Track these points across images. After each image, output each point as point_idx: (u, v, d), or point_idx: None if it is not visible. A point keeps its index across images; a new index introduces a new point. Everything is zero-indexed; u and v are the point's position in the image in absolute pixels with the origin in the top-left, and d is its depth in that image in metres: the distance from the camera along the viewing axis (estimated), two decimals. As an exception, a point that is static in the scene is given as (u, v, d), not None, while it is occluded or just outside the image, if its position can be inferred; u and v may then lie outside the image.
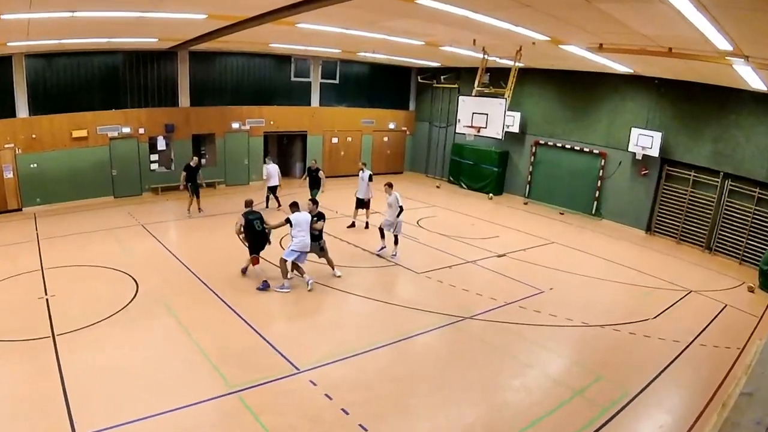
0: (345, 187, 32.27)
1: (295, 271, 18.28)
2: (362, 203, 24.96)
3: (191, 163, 25.76)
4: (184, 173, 25.68)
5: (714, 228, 25.18)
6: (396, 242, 21.45)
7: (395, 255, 21.30)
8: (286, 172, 33.95)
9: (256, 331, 14.68)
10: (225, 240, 22.24)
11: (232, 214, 25.21)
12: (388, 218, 21.16)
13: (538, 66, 30.33)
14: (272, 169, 28.01)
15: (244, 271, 18.81)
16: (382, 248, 21.65)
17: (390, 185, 21.50)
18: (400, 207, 20.79)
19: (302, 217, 17.53)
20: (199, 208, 26.48)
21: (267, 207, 28.00)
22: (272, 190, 28.20)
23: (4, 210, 26.12)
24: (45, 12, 15.63)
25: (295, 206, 17.94)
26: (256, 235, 17.71)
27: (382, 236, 21.70)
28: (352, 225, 25.09)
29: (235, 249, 20.79)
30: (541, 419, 11.36)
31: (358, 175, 25.17)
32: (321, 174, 27.06)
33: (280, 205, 27.74)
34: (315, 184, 26.92)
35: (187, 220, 25.74)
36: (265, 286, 17.44)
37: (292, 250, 17.45)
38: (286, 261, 17.44)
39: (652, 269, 22.06)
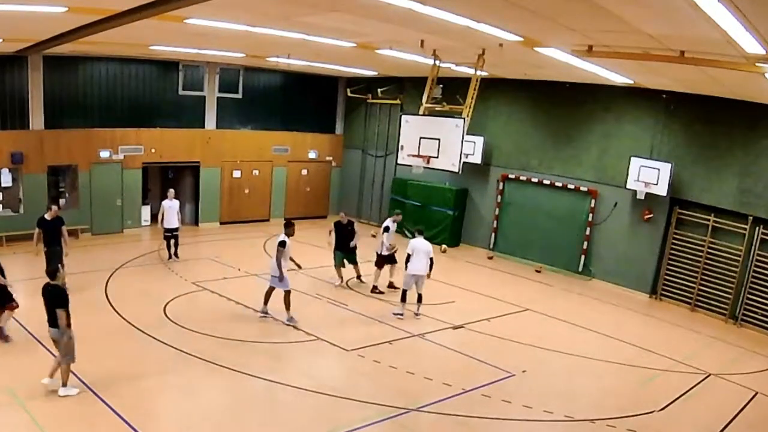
0: (250, 237, 34.28)
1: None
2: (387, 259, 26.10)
3: (46, 215, 23.13)
4: (38, 230, 23.29)
5: (741, 290, 24.97)
6: (420, 299, 22.83)
7: (401, 314, 22.76)
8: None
9: (134, 429, 14.00)
10: (92, 309, 21.74)
11: (101, 272, 26.53)
12: (414, 271, 22.43)
13: (508, 76, 30.80)
14: (172, 206, 28.30)
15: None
16: (410, 311, 22.82)
17: (421, 231, 23.28)
18: (431, 260, 22.49)
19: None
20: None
21: (170, 257, 28.73)
22: (172, 233, 28.50)
23: None
24: None
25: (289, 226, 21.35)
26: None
27: (403, 298, 22.90)
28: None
29: (104, 321, 20.77)
30: None
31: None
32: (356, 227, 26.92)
33: (176, 256, 28.74)
34: (344, 245, 26.76)
35: (40, 279, 24.54)
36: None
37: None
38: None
39: (658, 346, 21.97)
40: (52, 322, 14.89)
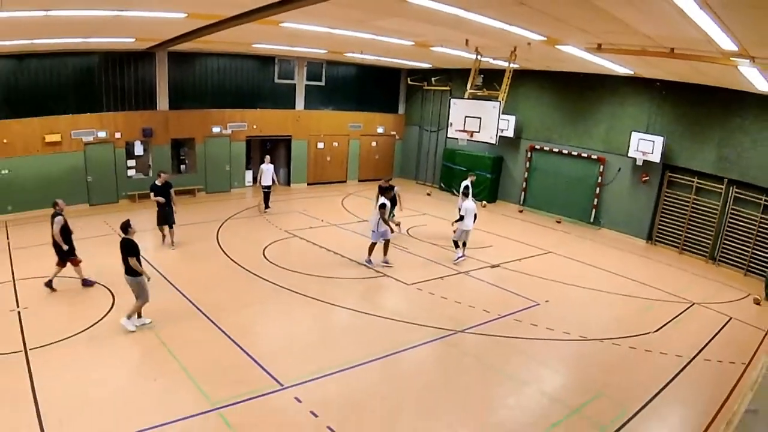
0: (332, 195, 34.50)
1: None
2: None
3: (157, 182, 23.04)
4: (152, 193, 23.02)
5: (718, 237, 25.18)
6: (465, 245, 22.64)
7: (462, 257, 22.46)
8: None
9: (239, 346, 14.57)
10: (207, 252, 22.54)
11: (213, 222, 26.97)
12: (465, 227, 22.15)
13: (534, 67, 30.41)
14: (268, 169, 28.83)
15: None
16: (460, 257, 22.43)
17: (465, 193, 23.00)
18: (475, 215, 22.22)
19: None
20: (173, 242, 23.27)
21: (267, 208, 29.18)
22: (267, 189, 29.06)
23: None
24: (17, 11, 15.43)
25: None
26: None
27: (457, 245, 22.59)
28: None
29: (215, 262, 21.27)
30: None
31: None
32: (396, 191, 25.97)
33: (269, 207, 29.15)
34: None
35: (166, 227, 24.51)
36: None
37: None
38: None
39: (653, 281, 22.05)
40: (127, 269, 14.80)
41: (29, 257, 20.85)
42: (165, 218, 22.85)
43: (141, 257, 14.76)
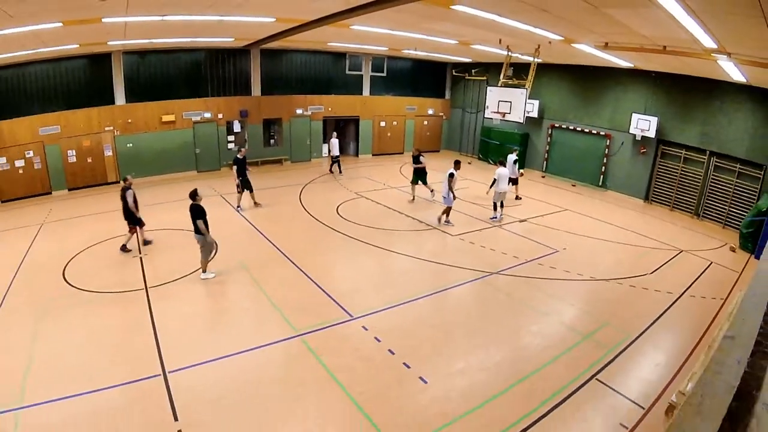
0: (392, 164, 34.10)
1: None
2: (512, 181, 25.07)
3: (238, 155, 22.76)
4: (234, 167, 22.73)
5: (701, 197, 25.13)
6: (502, 206, 22.44)
7: (499, 217, 22.28)
8: (342, 149, 34.09)
9: (318, 285, 14.87)
10: (291, 210, 22.79)
11: (296, 186, 27.19)
12: (501, 189, 22.04)
13: (554, 62, 29.99)
14: (335, 142, 29.55)
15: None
16: (494, 218, 22.40)
17: (503, 162, 22.58)
18: (511, 178, 21.84)
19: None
20: (255, 202, 23.39)
21: (340, 172, 29.60)
22: (335, 158, 29.64)
23: (104, 182, 27.05)
24: (139, 16, 15.88)
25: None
26: None
27: (495, 207, 22.43)
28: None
29: (298, 217, 21.57)
30: (556, 358, 11.49)
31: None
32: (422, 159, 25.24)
33: (340, 173, 29.47)
34: (416, 170, 25.26)
35: (259, 191, 24.56)
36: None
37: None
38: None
39: (649, 232, 22.07)
40: (195, 229, 14.58)
41: (146, 214, 20.05)
42: (247, 184, 22.70)
43: (206, 220, 14.58)
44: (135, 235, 17.76)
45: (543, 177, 33.50)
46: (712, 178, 24.72)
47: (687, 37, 13.43)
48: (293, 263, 16.57)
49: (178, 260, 16.60)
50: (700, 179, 25.25)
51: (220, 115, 30.71)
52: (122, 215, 17.59)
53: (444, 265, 16.88)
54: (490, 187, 22.56)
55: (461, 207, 24.10)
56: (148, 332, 12.05)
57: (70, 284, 14.76)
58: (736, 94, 23.14)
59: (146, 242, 18.06)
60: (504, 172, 21.89)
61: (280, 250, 17.69)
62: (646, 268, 17.70)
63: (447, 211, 21.29)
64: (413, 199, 25.25)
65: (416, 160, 25.07)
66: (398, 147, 39.46)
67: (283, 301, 13.81)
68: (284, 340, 11.89)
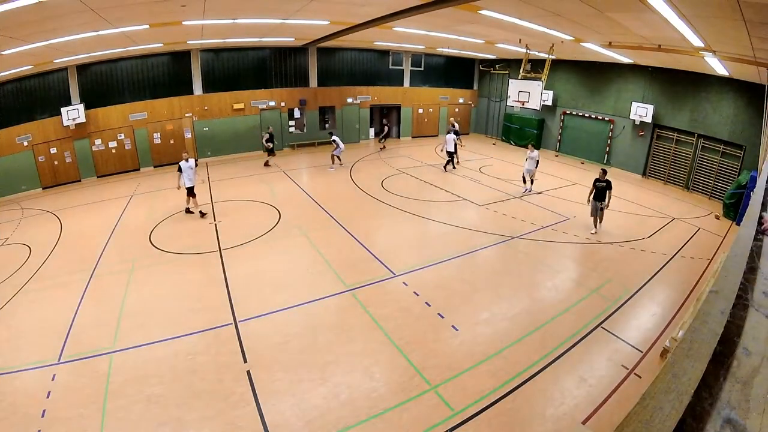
0: (428, 145, 33.64)
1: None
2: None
3: (270, 131, 25.91)
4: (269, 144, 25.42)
5: (690, 173, 25.03)
6: (532, 182, 22.02)
7: (529, 190, 21.94)
8: (386, 132, 33.95)
9: (365, 247, 14.90)
10: (342, 183, 22.75)
11: (346, 163, 26.86)
12: (529, 168, 21.53)
13: (565, 58, 29.56)
14: (449, 138, 26.02)
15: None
16: (526, 190, 22.09)
17: (534, 146, 21.74)
18: (537, 161, 21.32)
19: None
20: (266, 164, 26.14)
21: (446, 170, 26.22)
22: (450, 155, 26.30)
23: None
24: (214, 20, 15.97)
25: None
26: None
27: (525, 181, 22.03)
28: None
29: (348, 189, 21.47)
30: (567, 309, 11.54)
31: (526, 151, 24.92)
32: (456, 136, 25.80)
33: (455, 166, 26.68)
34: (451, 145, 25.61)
35: (315, 167, 25.75)
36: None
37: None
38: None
39: (646, 202, 21.98)
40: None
41: (223, 187, 21.42)
42: (272, 151, 25.77)
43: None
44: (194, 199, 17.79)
45: (556, 156, 33.07)
46: (700, 157, 24.60)
47: (678, 37, 13.48)
48: (345, 228, 16.59)
49: (247, 226, 16.66)
50: (689, 158, 25.10)
51: (282, 104, 30.91)
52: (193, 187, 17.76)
53: (472, 231, 16.84)
54: (534, 167, 21.90)
55: (487, 181, 24.13)
56: (221, 287, 12.20)
57: (155, 247, 15.01)
58: (720, 85, 23.03)
59: (188, 211, 18.08)
60: (533, 155, 21.40)
61: (333, 218, 17.70)
62: (644, 233, 17.69)
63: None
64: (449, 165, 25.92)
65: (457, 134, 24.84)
66: (433, 130, 39.14)
67: (336, 261, 13.86)
68: (337, 294, 11.93)
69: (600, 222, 17.14)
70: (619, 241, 16.51)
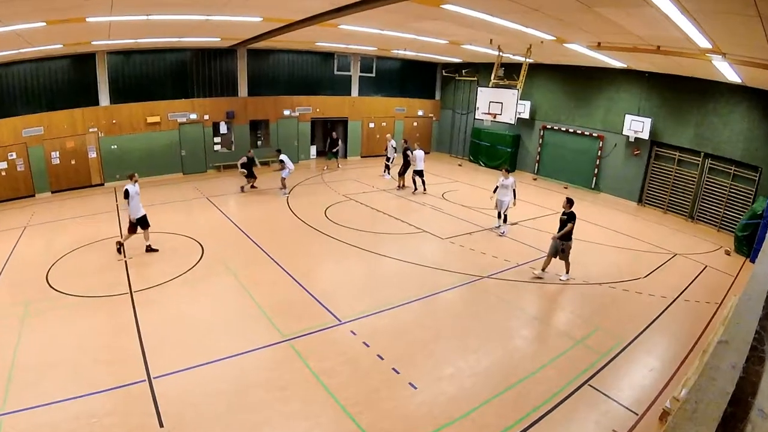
0: (380, 166, 32.75)
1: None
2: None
3: (246, 157, 26.50)
4: (241, 168, 26.37)
5: (696, 200, 25.07)
6: (505, 221, 21.13)
7: (504, 232, 20.93)
8: (330, 150, 34.18)
9: (305, 288, 14.80)
10: (278, 211, 22.82)
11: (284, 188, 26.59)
12: (502, 198, 20.74)
13: (546, 62, 30.06)
14: (419, 155, 26.49)
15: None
16: (498, 227, 21.36)
17: (509, 170, 21.02)
18: (514, 191, 20.58)
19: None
20: (242, 189, 26.67)
21: (415, 190, 26.96)
22: (420, 175, 26.74)
23: (89, 185, 26.82)
24: (124, 15, 15.91)
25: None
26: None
27: (499, 216, 21.30)
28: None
29: (285, 219, 21.57)
30: (548, 363, 11.48)
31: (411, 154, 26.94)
32: (408, 152, 27.08)
33: (424, 190, 26.94)
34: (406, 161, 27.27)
35: (246, 194, 26.00)
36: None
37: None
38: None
39: (642, 235, 22.04)
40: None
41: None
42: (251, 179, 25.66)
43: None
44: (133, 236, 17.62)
45: (535, 179, 33.40)
46: (707, 181, 24.67)
47: (681, 37, 13.46)
48: (280, 266, 16.57)
49: (164, 263, 16.64)
50: (694, 181, 25.21)
51: (206, 116, 30.56)
52: (119, 217, 17.31)
53: (433, 269, 16.87)
54: (494, 191, 21.43)
55: (451, 210, 24.28)
56: (133, 337, 12.09)
57: (53, 288, 14.76)
58: (731, 94, 23.13)
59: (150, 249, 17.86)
60: (507, 181, 20.67)
61: (266, 253, 17.71)
62: (639, 271, 17.70)
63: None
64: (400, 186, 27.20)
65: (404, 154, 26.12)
66: (385, 149, 38.48)
67: (270, 305, 13.82)
68: (271, 345, 11.91)
69: (565, 264, 16.51)
70: (610, 282, 16.58)
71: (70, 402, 9.74)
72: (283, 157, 26.15)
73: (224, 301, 14.17)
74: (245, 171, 26.32)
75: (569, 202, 16.23)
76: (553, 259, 16.50)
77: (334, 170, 32.10)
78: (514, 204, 20.92)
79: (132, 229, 17.25)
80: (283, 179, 26.28)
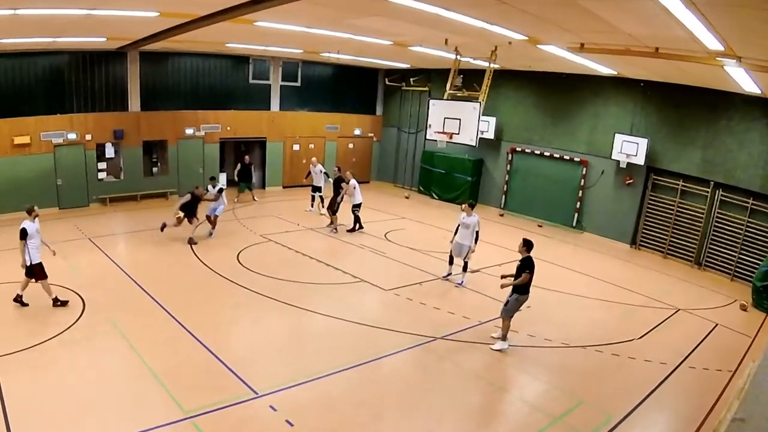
0: (308, 198, 32.85)
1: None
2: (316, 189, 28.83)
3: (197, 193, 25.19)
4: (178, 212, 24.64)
5: (704, 242, 25.23)
6: (465, 269, 21.00)
7: (462, 282, 20.85)
8: (245, 178, 34.28)
9: (211, 352, 14.54)
10: (179, 256, 22.60)
11: (186, 227, 26.00)
12: (461, 242, 20.64)
13: (515, 67, 30.47)
14: (356, 185, 26.90)
15: None
16: (449, 275, 21.39)
17: (472, 205, 21.01)
18: (477, 232, 20.37)
19: None
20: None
21: (354, 229, 27.34)
22: (356, 207, 27.11)
23: None
24: None
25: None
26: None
27: (451, 262, 21.44)
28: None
29: (188, 266, 21.39)
30: None
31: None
32: (343, 184, 27.18)
33: (361, 227, 27.37)
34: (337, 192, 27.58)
35: (139, 233, 25.57)
36: None
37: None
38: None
39: (637, 286, 22.06)
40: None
41: None
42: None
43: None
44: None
45: (501, 215, 33.84)
46: (718, 217, 24.80)
47: (685, 37, 13.37)
48: (182, 324, 16.18)
49: (34, 321, 16.07)
50: (701, 218, 25.41)
51: (88, 137, 29.98)
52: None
53: (375, 328, 16.81)
54: (454, 234, 21.27)
55: (396, 253, 24.64)
56: None
57: None
58: (748, 109, 23.30)
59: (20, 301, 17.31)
60: (470, 220, 20.46)
61: (164, 308, 17.27)
62: (634, 331, 17.76)
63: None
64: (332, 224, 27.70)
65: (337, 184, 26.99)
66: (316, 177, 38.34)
67: (169, 373, 13.49)
68: (169, 424, 11.51)
69: (503, 324, 16.08)
70: (596, 344, 16.57)
71: None
72: (222, 187, 26.22)
73: (110, 368, 13.70)
74: (183, 213, 24.87)
75: (526, 245, 15.84)
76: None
77: (248, 204, 32.31)
78: (473, 250, 20.83)
79: (32, 275, 16.84)
80: (215, 217, 26.09)
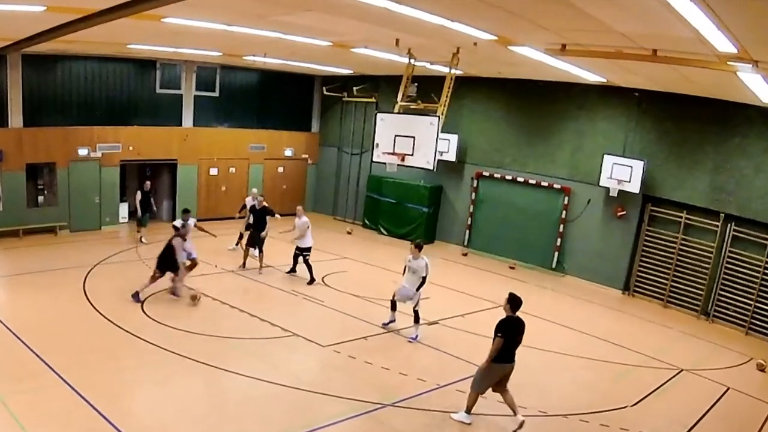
0: (228, 233, 32.35)
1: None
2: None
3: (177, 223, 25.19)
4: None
5: (712, 287, 25.03)
6: (417, 320, 20.81)
7: (416, 337, 20.77)
8: (150, 210, 33.55)
9: (110, 422, 13.86)
10: (70, 306, 21.82)
11: (78, 268, 26.19)
12: (408, 287, 20.60)
13: (482, 74, 30.53)
14: (304, 224, 26.34)
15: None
16: (391, 322, 21.46)
17: (420, 247, 20.85)
18: (424, 277, 20.35)
19: None
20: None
21: (310, 282, 26.57)
22: (305, 251, 26.63)
23: None
24: None
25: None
26: None
27: (393, 308, 21.37)
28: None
29: (81, 318, 20.74)
30: None
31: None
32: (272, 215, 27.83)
33: (313, 279, 26.67)
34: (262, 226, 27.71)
35: (21, 276, 25.01)
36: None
37: None
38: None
39: (630, 341, 22.01)
40: None
41: None
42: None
43: None
44: None
45: (465, 255, 33.91)
46: (730, 256, 24.68)
47: (690, 37, 13.13)
48: (74, 389, 15.42)
49: None
50: (710, 258, 25.28)
51: None
52: None
53: (309, 392, 16.47)
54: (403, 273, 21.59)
55: (337, 301, 24.49)
56: None
57: None
58: (766, 124, 23.39)
59: None
60: (419, 264, 20.57)
61: (52, 369, 16.49)
62: (627, 397, 17.56)
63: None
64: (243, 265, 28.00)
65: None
66: (238, 207, 36.46)
67: None
68: None
69: (471, 393, 15.95)
70: (581, 413, 16.36)
71: None
72: (191, 221, 26.16)
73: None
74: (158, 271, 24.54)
75: (510, 301, 15.06)
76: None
77: (153, 242, 30.94)
78: (419, 299, 21.01)
79: None
80: (193, 260, 25.98)
